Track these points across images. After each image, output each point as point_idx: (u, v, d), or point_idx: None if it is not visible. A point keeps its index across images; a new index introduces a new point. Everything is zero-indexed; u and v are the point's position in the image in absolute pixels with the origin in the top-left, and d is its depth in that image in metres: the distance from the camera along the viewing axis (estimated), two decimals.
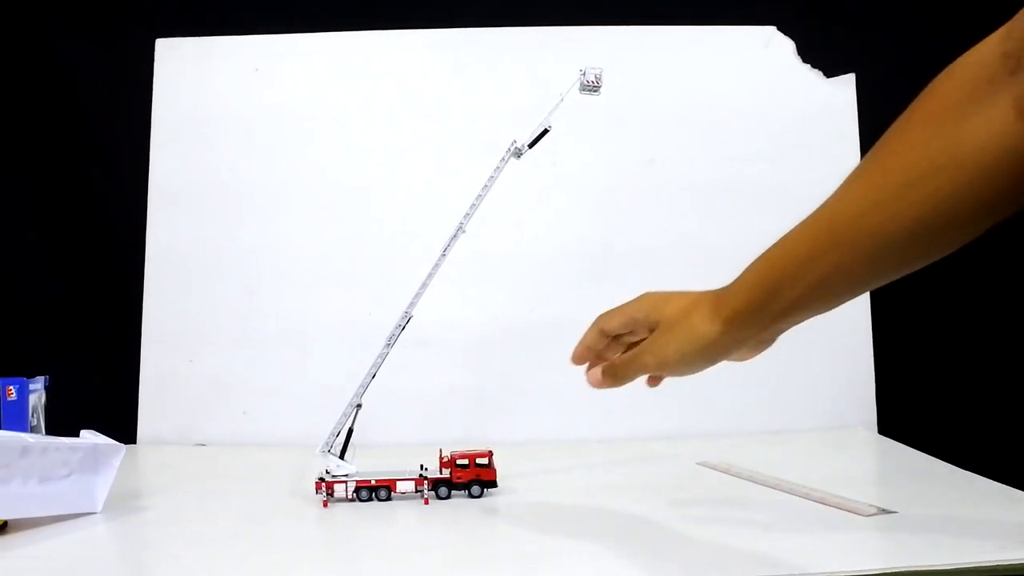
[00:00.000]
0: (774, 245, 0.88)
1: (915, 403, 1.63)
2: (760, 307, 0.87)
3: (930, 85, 0.79)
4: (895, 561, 0.87)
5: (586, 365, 1.03)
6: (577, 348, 1.03)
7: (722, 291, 0.91)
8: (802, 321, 0.87)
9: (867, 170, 0.82)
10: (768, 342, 0.93)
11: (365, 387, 1.14)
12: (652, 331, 0.95)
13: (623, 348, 1.00)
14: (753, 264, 0.90)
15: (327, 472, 1.14)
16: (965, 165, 0.74)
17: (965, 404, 1.65)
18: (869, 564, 0.86)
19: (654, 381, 0.99)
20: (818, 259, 0.83)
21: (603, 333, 1.01)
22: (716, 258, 1.61)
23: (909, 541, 0.95)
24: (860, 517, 1.02)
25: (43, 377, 1.37)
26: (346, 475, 1.14)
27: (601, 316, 1.02)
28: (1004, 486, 1.11)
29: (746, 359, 0.94)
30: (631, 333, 0.99)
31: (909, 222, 0.77)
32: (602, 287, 1.63)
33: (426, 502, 1.13)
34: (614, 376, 0.97)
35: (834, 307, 0.85)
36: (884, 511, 1.02)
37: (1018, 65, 0.72)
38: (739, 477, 1.23)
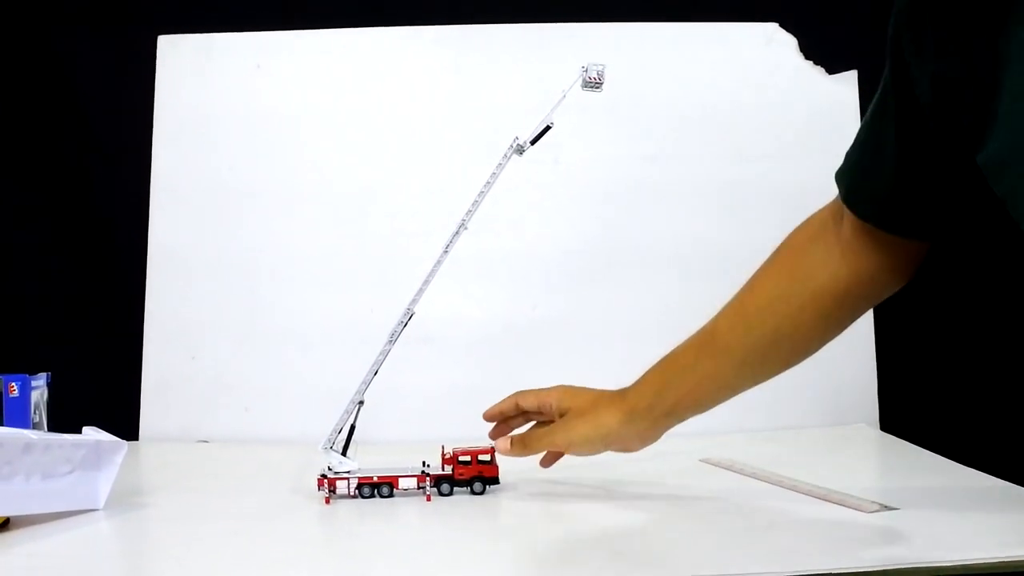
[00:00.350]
0: (667, 355, 1.12)
1: (917, 400, 1.63)
2: (650, 405, 1.09)
3: (787, 236, 1.09)
4: (897, 557, 0.87)
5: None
6: (492, 409, 1.19)
7: (625, 390, 1.12)
8: (685, 420, 1.10)
9: (737, 297, 1.09)
10: (653, 439, 1.11)
11: (367, 384, 1.14)
12: (560, 416, 1.13)
13: (524, 422, 1.18)
14: (651, 368, 1.12)
15: (329, 469, 1.14)
16: (803, 290, 1.04)
17: (968, 401, 1.65)
18: (871, 561, 0.85)
19: (547, 462, 1.18)
20: (697, 364, 1.09)
21: (517, 406, 1.18)
22: (718, 254, 1.63)
23: (911, 538, 0.95)
24: (862, 514, 1.01)
25: (45, 374, 1.36)
26: (348, 472, 1.14)
27: (519, 392, 1.18)
28: (1007, 483, 1.11)
29: (632, 451, 1.12)
30: (538, 413, 1.16)
31: (763, 336, 1.05)
32: (604, 284, 1.63)
33: (428, 499, 1.13)
34: (523, 447, 1.14)
35: (709, 408, 1.09)
36: (886, 508, 1.02)
37: (840, 217, 1.02)
38: (742, 474, 1.23)
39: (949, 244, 1.01)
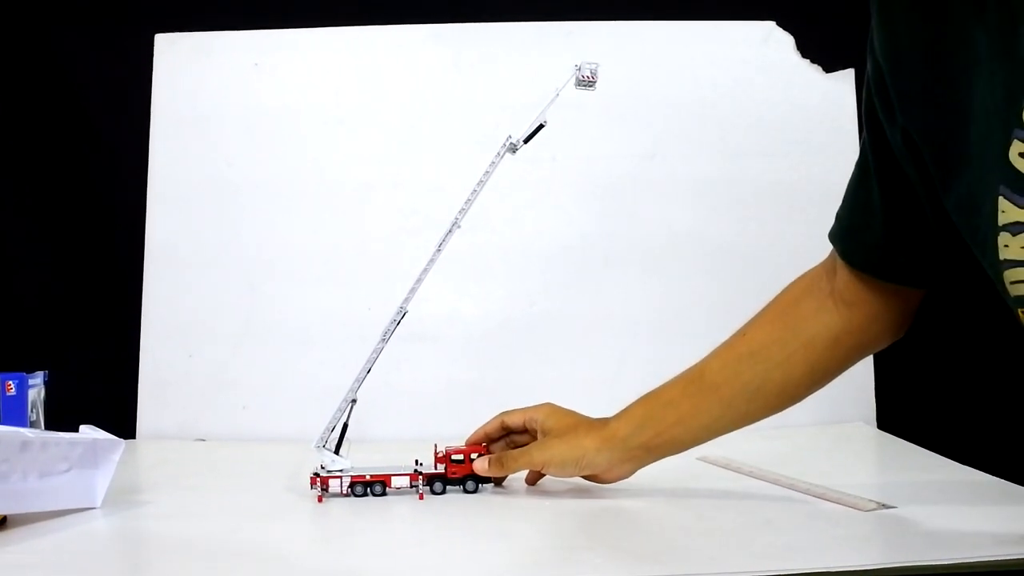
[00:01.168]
0: (657, 387, 1.13)
1: (914, 398, 1.63)
2: (628, 436, 1.10)
3: (786, 286, 1.12)
4: (894, 556, 0.87)
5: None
6: (477, 433, 1.19)
7: (608, 419, 1.12)
8: (661, 458, 1.11)
9: (731, 338, 1.11)
10: (627, 473, 1.12)
11: (360, 382, 1.14)
12: (544, 434, 1.14)
13: (510, 445, 1.18)
14: (637, 400, 1.13)
15: (322, 467, 1.14)
16: (794, 338, 1.07)
17: (964, 399, 1.65)
18: (868, 559, 0.86)
19: (531, 480, 1.18)
20: (682, 400, 1.10)
21: (504, 426, 1.18)
22: (715, 252, 1.64)
23: (908, 536, 0.95)
24: (859, 512, 1.01)
25: (42, 372, 1.37)
26: (341, 470, 1.14)
27: (505, 412, 1.19)
28: (1003, 481, 1.11)
29: (606, 481, 1.13)
30: (524, 432, 1.18)
31: (752, 379, 1.08)
32: (602, 282, 1.63)
33: (421, 497, 1.13)
34: (501, 466, 1.14)
35: (687, 448, 1.12)
36: (883, 506, 1.02)
37: (834, 273, 1.06)
38: (739, 472, 1.23)
39: (942, 291, 1.04)
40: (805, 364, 1.07)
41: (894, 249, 1.00)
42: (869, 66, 0.94)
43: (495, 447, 1.19)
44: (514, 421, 1.18)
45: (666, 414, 1.10)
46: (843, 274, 1.05)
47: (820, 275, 1.09)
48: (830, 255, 1.08)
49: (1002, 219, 0.80)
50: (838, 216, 1.06)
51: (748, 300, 1.59)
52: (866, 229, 1.01)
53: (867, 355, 1.12)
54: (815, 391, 1.10)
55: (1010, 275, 0.81)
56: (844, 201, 1.05)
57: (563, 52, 1.61)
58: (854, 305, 1.05)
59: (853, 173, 1.03)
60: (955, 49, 0.83)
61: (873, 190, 0.98)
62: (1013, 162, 0.78)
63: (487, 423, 1.19)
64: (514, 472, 1.16)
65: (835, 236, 1.06)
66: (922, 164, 0.90)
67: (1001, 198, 0.79)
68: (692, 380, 1.11)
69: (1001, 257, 0.81)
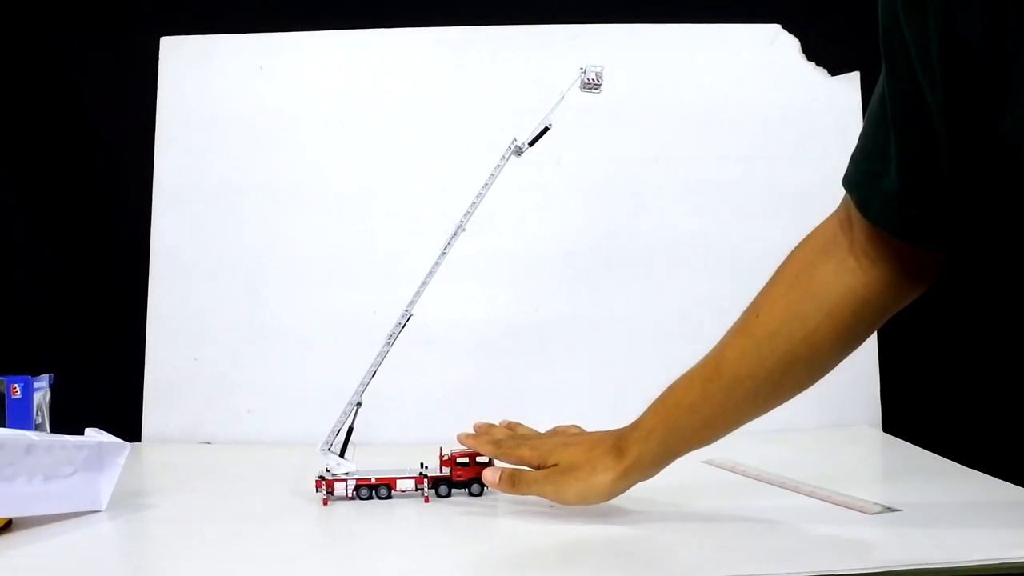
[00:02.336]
0: (668, 391, 1.03)
1: (920, 401, 1.63)
2: (654, 459, 1.02)
3: (790, 252, 1.02)
4: (900, 559, 0.87)
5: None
6: (483, 425, 1.17)
7: (624, 439, 1.02)
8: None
9: (742, 322, 1.01)
10: (651, 476, 1.04)
11: (365, 385, 1.14)
12: (552, 454, 1.05)
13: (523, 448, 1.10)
14: (649, 411, 1.03)
15: (327, 470, 1.14)
16: (817, 308, 0.96)
17: (970, 402, 1.64)
18: (874, 562, 0.85)
19: None
20: (704, 401, 1.00)
21: (511, 428, 1.17)
22: (720, 256, 1.63)
23: (914, 539, 0.95)
24: (865, 515, 1.01)
25: (48, 375, 1.37)
26: (346, 473, 1.14)
27: (519, 428, 1.17)
28: (1009, 484, 1.11)
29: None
30: (537, 437, 1.13)
31: (777, 363, 0.97)
32: (607, 285, 1.63)
33: (426, 500, 1.13)
34: (512, 485, 1.07)
35: (713, 442, 1.03)
36: (889, 509, 1.02)
37: (850, 225, 0.96)
38: (744, 475, 1.23)
39: (966, 251, 0.95)
40: (833, 333, 0.97)
41: (910, 201, 0.90)
42: None
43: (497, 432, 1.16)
44: (523, 430, 1.17)
45: (690, 421, 1.02)
46: (862, 229, 0.95)
47: (833, 230, 0.99)
48: (843, 204, 0.98)
49: None
50: (853, 158, 0.96)
51: None
52: (884, 175, 0.90)
53: (894, 313, 1.00)
54: (844, 359, 1.00)
55: None
56: (860, 141, 0.95)
57: (568, 55, 1.62)
58: (878, 262, 0.95)
59: (870, 110, 0.93)
60: None
61: (890, 138, 0.88)
62: None
63: (495, 426, 1.17)
64: (523, 495, 1.07)
65: (850, 183, 0.95)
66: (964, 81, 0.78)
67: None
68: (710, 377, 1.01)
69: None
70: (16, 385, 1.29)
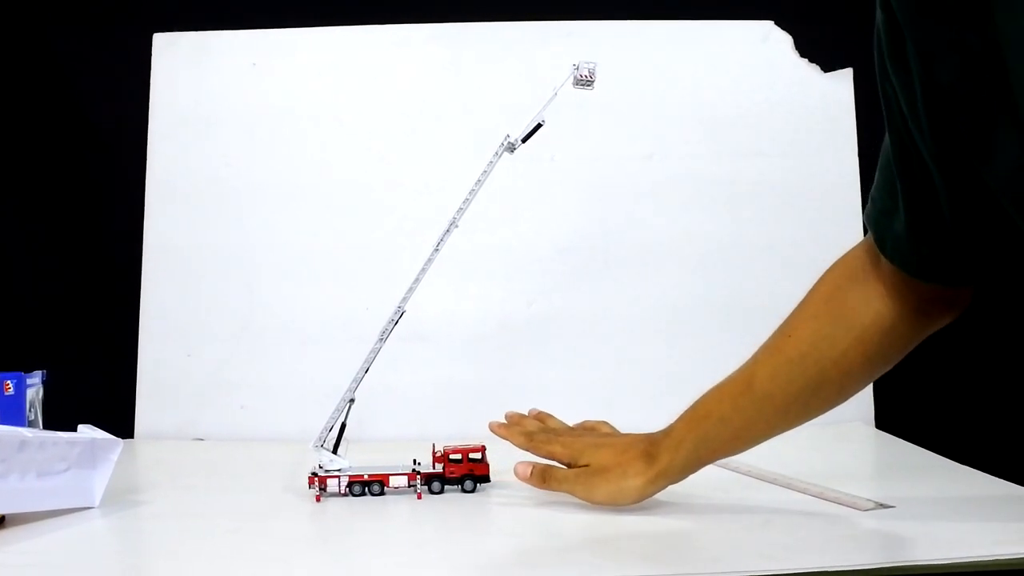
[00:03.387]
0: (699, 402, 1.05)
1: (913, 398, 1.63)
2: (683, 467, 1.03)
3: (822, 275, 1.03)
4: (892, 556, 0.87)
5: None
6: (514, 415, 1.18)
7: (653, 446, 1.04)
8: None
9: (774, 341, 1.03)
10: (678, 481, 1.05)
11: (358, 382, 1.14)
12: (583, 454, 1.07)
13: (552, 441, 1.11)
14: (681, 421, 1.05)
15: (320, 467, 1.14)
16: (847, 332, 0.98)
17: (963, 399, 1.65)
18: (866, 559, 0.86)
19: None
20: (735, 415, 1.03)
21: (540, 419, 1.18)
22: (713, 252, 1.63)
23: (907, 536, 0.95)
24: (858, 512, 1.01)
25: (41, 371, 1.36)
26: (339, 470, 1.14)
27: (550, 420, 1.18)
28: (1002, 481, 1.11)
29: None
30: (568, 433, 1.14)
31: (807, 382, 1.00)
32: (600, 281, 1.63)
33: (419, 497, 1.13)
34: (542, 481, 1.08)
35: (741, 452, 1.06)
36: (882, 506, 1.02)
37: (876, 255, 0.96)
38: (737, 471, 1.23)
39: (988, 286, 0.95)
40: (862, 357, 0.99)
41: (919, 241, 0.91)
42: (879, 19, 0.82)
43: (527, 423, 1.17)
44: (554, 423, 1.18)
45: (720, 432, 1.04)
46: (884, 258, 0.96)
47: (862, 258, 1.00)
48: (869, 234, 0.99)
49: None
50: (871, 195, 0.97)
51: (747, 300, 1.61)
52: (894, 214, 0.91)
53: (926, 336, 1.01)
54: (875, 379, 1.04)
55: None
56: (876, 178, 0.95)
57: (561, 51, 1.62)
58: (906, 290, 0.96)
59: (883, 147, 0.92)
60: None
61: (895, 176, 0.89)
62: None
63: (526, 417, 1.18)
64: (553, 491, 1.08)
65: (868, 218, 0.97)
66: (948, 126, 0.79)
67: None
68: (742, 392, 1.03)
69: None
70: (9, 381, 1.29)
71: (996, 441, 1.52)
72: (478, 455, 1.15)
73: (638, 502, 1.04)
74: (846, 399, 1.03)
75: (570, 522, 1.03)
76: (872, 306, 0.98)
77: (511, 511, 1.09)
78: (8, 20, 1.67)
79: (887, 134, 0.89)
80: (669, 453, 1.03)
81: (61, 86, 1.69)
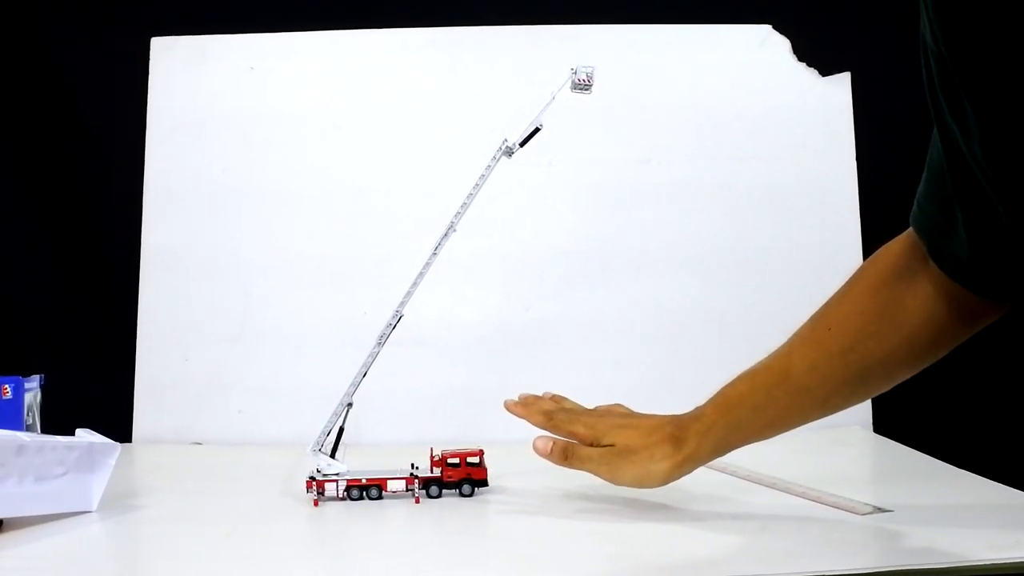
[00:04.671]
0: (729, 388, 1.03)
1: (911, 402, 1.62)
2: (711, 452, 1.03)
3: (860, 267, 1.00)
4: (890, 560, 0.87)
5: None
6: (529, 396, 1.15)
7: (681, 430, 1.02)
8: None
9: (812, 333, 1.01)
10: (702, 465, 1.05)
11: (356, 386, 1.14)
12: (608, 434, 1.04)
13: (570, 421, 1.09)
14: (710, 405, 1.03)
15: (317, 471, 1.14)
16: (897, 331, 0.96)
17: (961, 403, 1.65)
18: (864, 563, 0.85)
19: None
20: (770, 403, 1.01)
21: (556, 401, 1.15)
22: (711, 257, 1.64)
23: (904, 540, 0.95)
24: (856, 516, 1.01)
25: (38, 376, 1.36)
26: (337, 474, 1.14)
27: (564, 402, 1.15)
28: (1000, 485, 1.11)
29: None
30: (589, 414, 1.10)
31: (849, 377, 0.99)
32: (598, 286, 1.63)
33: (417, 501, 1.13)
34: (564, 458, 1.06)
35: (769, 439, 1.04)
36: (880, 510, 1.02)
37: (926, 259, 0.93)
38: (735, 476, 1.23)
39: None
40: (910, 355, 0.98)
41: (983, 266, 0.88)
42: (931, 61, 0.76)
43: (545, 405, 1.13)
44: (570, 403, 1.14)
45: (752, 421, 1.02)
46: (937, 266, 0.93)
47: (907, 255, 0.96)
48: (912, 232, 0.95)
49: None
50: (918, 199, 0.92)
51: (745, 304, 1.61)
52: (953, 234, 0.87)
53: (978, 330, 0.98)
54: (921, 369, 1.01)
55: None
56: (923, 183, 0.90)
57: (559, 56, 1.62)
58: (960, 297, 0.93)
59: (929, 155, 0.87)
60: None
61: (955, 204, 0.85)
62: None
63: (543, 399, 1.15)
64: (574, 469, 1.06)
65: (920, 228, 0.92)
66: (1010, 171, 0.74)
67: None
68: (777, 383, 1.01)
69: None
70: (7, 386, 1.29)
71: (994, 445, 1.52)
72: (476, 459, 1.16)
73: (664, 485, 1.03)
74: (888, 388, 1.02)
75: (568, 526, 1.03)
76: (925, 308, 0.95)
77: (509, 515, 1.09)
78: (6, 24, 1.67)
79: (941, 151, 0.83)
80: (698, 438, 1.02)
81: (59, 90, 1.69)
